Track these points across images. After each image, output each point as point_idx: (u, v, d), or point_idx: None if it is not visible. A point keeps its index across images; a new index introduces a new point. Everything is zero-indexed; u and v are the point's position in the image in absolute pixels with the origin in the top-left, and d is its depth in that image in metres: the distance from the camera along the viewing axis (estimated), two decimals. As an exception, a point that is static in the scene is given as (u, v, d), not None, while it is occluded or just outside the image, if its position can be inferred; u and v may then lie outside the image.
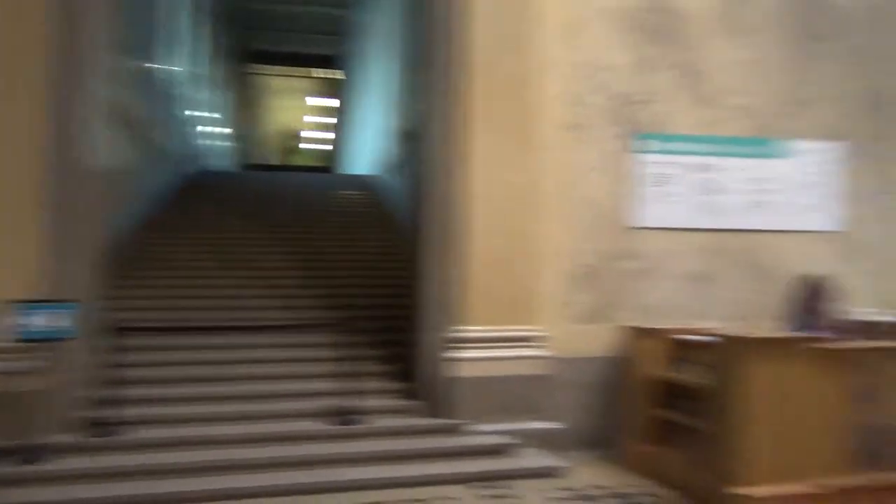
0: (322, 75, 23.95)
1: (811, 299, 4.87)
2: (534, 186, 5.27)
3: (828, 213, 5.95)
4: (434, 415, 5.15)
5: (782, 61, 5.93)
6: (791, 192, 5.86)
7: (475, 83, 5.19)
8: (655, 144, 5.60)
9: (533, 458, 4.79)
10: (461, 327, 5.13)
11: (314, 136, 27.91)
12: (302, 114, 26.92)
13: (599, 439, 5.20)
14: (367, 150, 13.97)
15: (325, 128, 26.42)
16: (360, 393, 4.98)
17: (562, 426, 5.09)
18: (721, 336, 4.24)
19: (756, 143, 5.81)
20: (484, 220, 5.14)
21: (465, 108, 5.19)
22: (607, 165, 5.54)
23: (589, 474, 4.69)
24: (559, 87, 5.45)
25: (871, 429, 4.18)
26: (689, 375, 4.54)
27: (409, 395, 5.41)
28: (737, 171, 5.75)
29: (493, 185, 5.16)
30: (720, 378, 4.11)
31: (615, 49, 5.60)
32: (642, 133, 5.60)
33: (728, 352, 4.07)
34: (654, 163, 5.59)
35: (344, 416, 4.89)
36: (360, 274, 7.59)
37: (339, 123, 23.38)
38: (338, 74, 22.42)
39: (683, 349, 4.75)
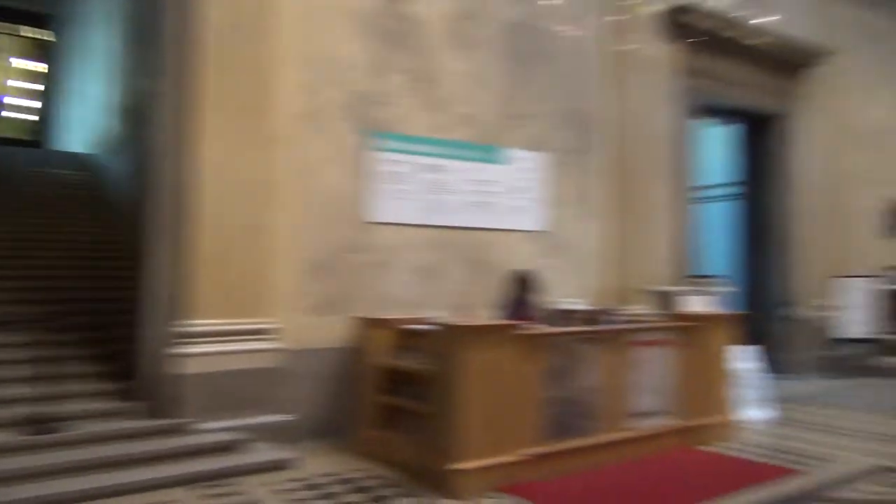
0: (31, 34, 20.73)
1: (520, 291, 5.51)
2: (268, 176, 5.18)
3: (536, 215, 6.75)
4: (157, 415, 4.82)
5: (501, 77, 6.58)
6: (506, 196, 6.54)
7: (207, 65, 4.94)
8: (390, 143, 5.86)
9: (262, 453, 4.72)
10: (188, 321, 4.86)
11: (19, 103, 24.04)
12: (4, 76, 23.02)
13: (332, 428, 5.30)
14: (84, 125, 12.45)
15: (35, 95, 22.91)
16: (67, 397, 4.47)
17: (294, 418, 5.09)
18: (440, 325, 4.59)
19: (478, 149, 6.38)
20: (214, 208, 4.92)
21: (196, 91, 4.92)
22: (344, 160, 5.66)
23: (318, 463, 4.76)
24: (298, 79, 5.42)
25: (564, 402, 4.84)
26: (413, 362, 4.84)
27: (128, 396, 4.99)
28: (462, 173, 6.26)
29: (226, 172, 4.96)
30: (439, 363, 4.45)
31: (354, 47, 5.74)
32: (378, 131, 5.81)
33: (446, 339, 4.41)
34: (388, 160, 5.84)
35: (44, 423, 4.34)
36: (72, 265, 6.78)
37: (50, 92, 20.47)
38: (49, 35, 19.59)
39: (409, 338, 5.05)
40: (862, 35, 10.18)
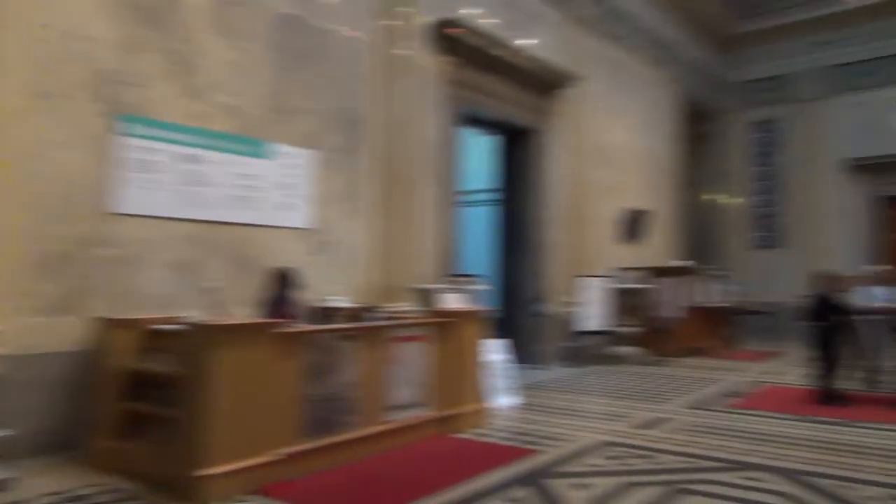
0: None
1: (280, 288, 5.42)
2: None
3: (303, 212, 6.68)
4: None
5: (270, 70, 6.42)
6: (272, 191, 6.39)
7: None
8: (142, 129, 5.42)
9: (-28, 475, 4.10)
10: None
11: None
12: None
13: (65, 441, 4.77)
14: None
15: None
16: None
17: (15, 433, 4.48)
18: (191, 324, 4.35)
19: (244, 142, 6.15)
20: None
21: None
22: (85, 144, 5.11)
23: (45, 481, 4.25)
24: (28, 51, 4.80)
25: (323, 399, 4.84)
26: (161, 365, 4.54)
27: None
28: (224, 165, 5.98)
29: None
30: (189, 365, 4.21)
31: (101, 21, 5.22)
32: (127, 115, 5.34)
33: (196, 339, 4.19)
34: (139, 148, 5.40)
35: None
36: None
37: None
38: None
39: (157, 339, 4.72)
40: (604, 65, 11.58)
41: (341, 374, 4.96)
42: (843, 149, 14.68)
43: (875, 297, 7.60)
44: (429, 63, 8.15)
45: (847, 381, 7.32)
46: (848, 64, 14.74)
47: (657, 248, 12.91)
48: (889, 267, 8.47)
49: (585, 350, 10.14)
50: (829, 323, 7.18)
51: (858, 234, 14.43)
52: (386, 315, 5.87)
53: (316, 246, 6.75)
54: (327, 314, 5.71)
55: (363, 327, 5.36)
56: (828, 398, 7.15)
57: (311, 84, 6.81)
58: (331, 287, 6.53)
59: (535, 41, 9.94)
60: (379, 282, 7.29)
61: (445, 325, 5.89)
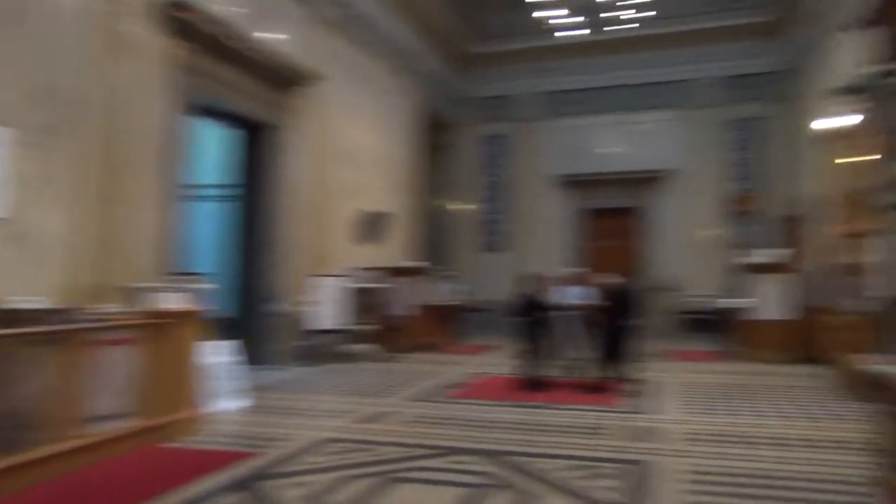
0: None
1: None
2: None
3: (-15, 198, 5.75)
4: None
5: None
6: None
7: None
8: None
9: None
10: None
11: None
12: None
13: None
14: None
15: None
16: None
17: None
18: None
19: None
20: None
21: None
22: None
23: None
24: None
25: (4, 416, 4.21)
26: None
27: None
28: None
29: None
30: None
31: None
32: None
33: None
34: None
35: None
36: None
37: None
38: None
39: None
40: (348, 68, 11.75)
41: (22, 385, 4.35)
42: (555, 166, 16.69)
43: (572, 295, 8.67)
44: (158, 45, 7.54)
45: (548, 370, 8.27)
46: (561, 91, 16.83)
47: (394, 249, 13.42)
48: (586, 269, 9.73)
49: (320, 349, 10.16)
50: (532, 318, 8.08)
51: (567, 241, 16.48)
52: (89, 317, 5.29)
53: (6, 237, 5.83)
54: (8, 318, 4.95)
55: (51, 331, 4.75)
56: (531, 385, 8.03)
57: (6, 51, 5.88)
58: (20, 286, 5.68)
59: (276, 36, 9.75)
60: (87, 280, 6.53)
61: (158, 327, 5.48)
